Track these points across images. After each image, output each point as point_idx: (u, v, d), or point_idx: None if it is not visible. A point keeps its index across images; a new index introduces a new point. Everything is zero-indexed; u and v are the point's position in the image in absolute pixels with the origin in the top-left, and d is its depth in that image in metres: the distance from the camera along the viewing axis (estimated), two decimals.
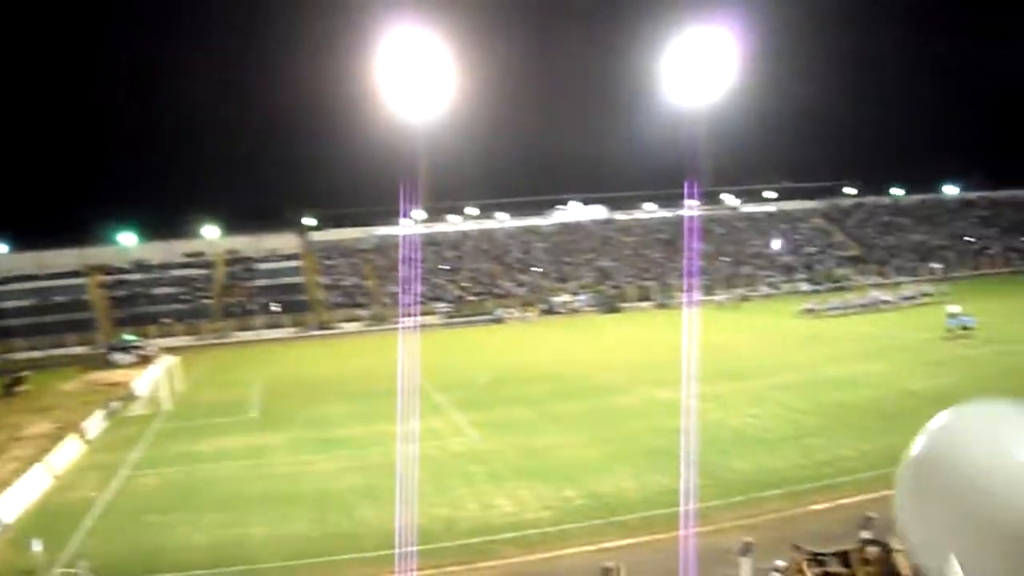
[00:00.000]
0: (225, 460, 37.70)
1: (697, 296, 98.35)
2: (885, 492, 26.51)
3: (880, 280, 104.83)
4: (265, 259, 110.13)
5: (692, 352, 53.47)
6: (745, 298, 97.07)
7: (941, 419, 5.43)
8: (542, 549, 24.82)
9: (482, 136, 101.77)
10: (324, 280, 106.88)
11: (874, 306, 79.89)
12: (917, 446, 5.69)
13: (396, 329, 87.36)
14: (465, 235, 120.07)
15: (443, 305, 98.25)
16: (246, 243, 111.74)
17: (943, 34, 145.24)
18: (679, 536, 24.93)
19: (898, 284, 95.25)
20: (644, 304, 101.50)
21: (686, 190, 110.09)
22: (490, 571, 23.43)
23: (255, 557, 25.05)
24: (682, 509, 27.09)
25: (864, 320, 73.21)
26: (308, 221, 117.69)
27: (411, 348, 65.35)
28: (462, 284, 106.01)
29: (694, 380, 44.67)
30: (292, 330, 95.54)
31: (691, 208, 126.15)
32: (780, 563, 11.91)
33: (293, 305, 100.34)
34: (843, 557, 8.21)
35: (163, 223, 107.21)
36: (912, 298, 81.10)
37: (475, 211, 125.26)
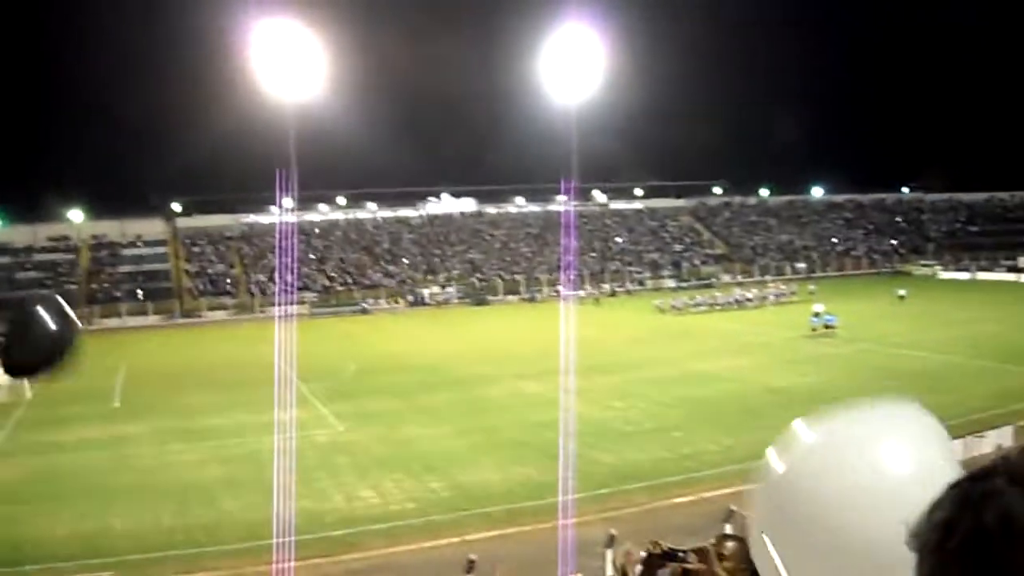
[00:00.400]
0: (87, 450, 36.76)
1: (565, 291, 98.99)
2: (747, 486, 27.23)
3: (746, 279, 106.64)
4: (131, 245, 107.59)
5: (559, 346, 53.85)
6: (613, 294, 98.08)
7: (801, 428, 5.28)
8: (407, 541, 24.80)
9: (353, 126, 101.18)
10: (190, 267, 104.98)
11: (739, 304, 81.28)
12: (774, 460, 5.50)
13: (262, 318, 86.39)
14: (334, 224, 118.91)
15: (310, 295, 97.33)
16: (112, 228, 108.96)
17: (813, 39, 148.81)
18: (544, 528, 25.15)
19: (763, 283, 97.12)
20: (512, 297, 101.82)
21: (560, 186, 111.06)
22: (355, 563, 23.34)
23: (117, 549, 24.55)
24: (547, 501, 27.35)
25: (729, 317, 74.46)
26: (175, 207, 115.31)
27: (277, 338, 64.61)
28: (330, 274, 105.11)
29: (560, 373, 44.99)
30: (157, 318, 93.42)
31: (561, 203, 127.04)
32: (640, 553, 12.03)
33: (158, 292, 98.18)
34: (700, 553, 8.29)
35: (27, 206, 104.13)
36: (777, 297, 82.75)
37: (345, 201, 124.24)
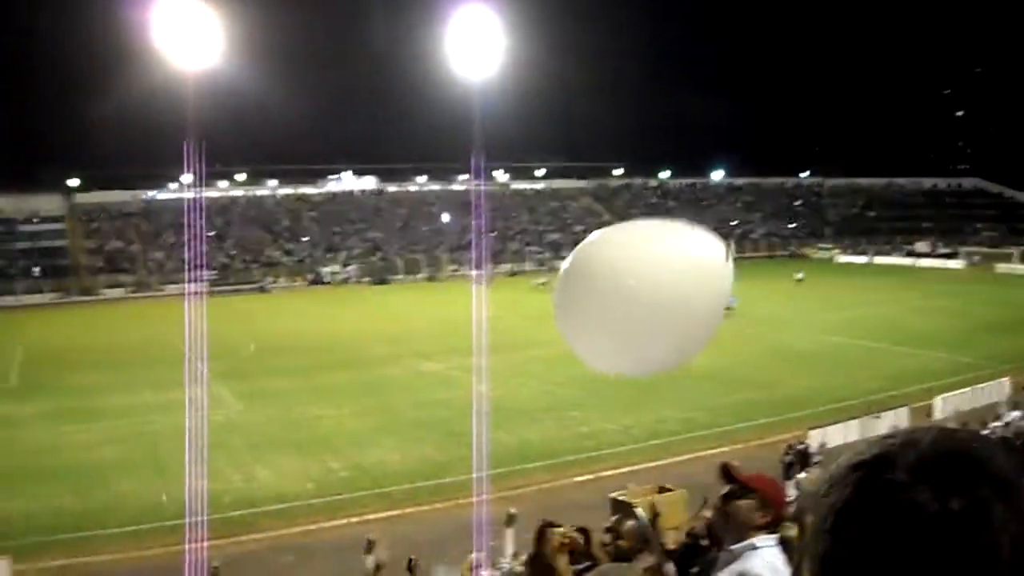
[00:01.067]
0: None
1: (466, 270, 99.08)
2: (647, 464, 27.53)
3: None
4: (27, 221, 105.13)
5: (458, 325, 53.96)
6: (513, 273, 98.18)
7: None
8: (305, 521, 24.84)
9: (254, 101, 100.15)
10: (88, 244, 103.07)
11: None
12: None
13: (161, 296, 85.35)
14: (234, 201, 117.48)
15: (209, 273, 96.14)
16: (7, 203, 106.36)
17: (715, 23, 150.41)
18: (443, 507, 25.32)
19: None
20: (413, 277, 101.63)
21: (462, 165, 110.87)
22: (252, 544, 23.31)
23: (11, 532, 24.13)
24: (446, 481, 27.54)
25: None
26: (73, 182, 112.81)
27: (175, 316, 63.85)
28: (229, 252, 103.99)
29: (459, 353, 45.16)
30: (53, 296, 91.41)
31: (462, 183, 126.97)
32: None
33: (55, 270, 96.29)
34: (585, 532, 8.45)
35: None
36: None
37: (244, 177, 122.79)
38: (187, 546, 19.43)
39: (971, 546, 1.14)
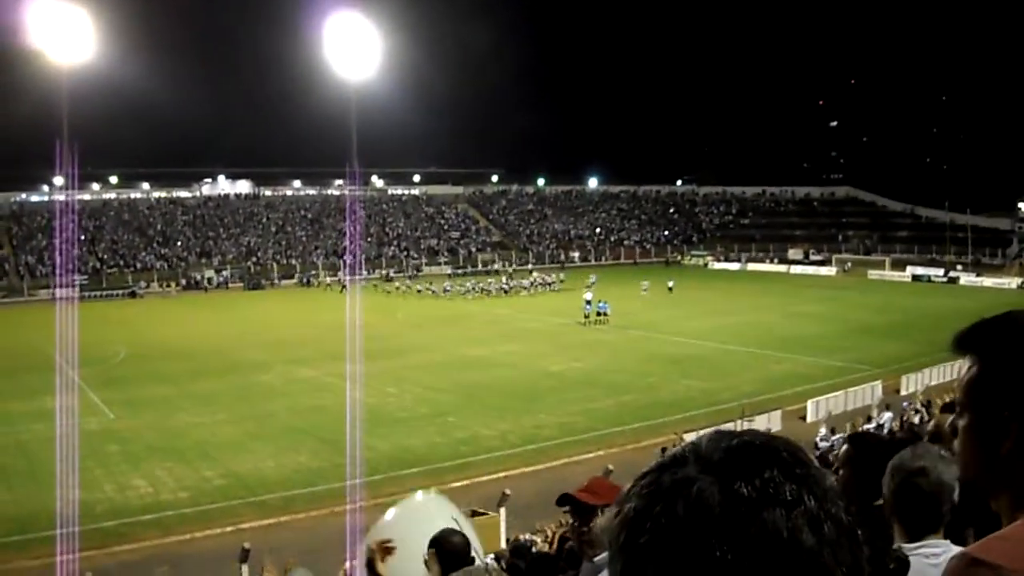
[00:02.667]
0: None
1: (341, 276, 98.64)
2: (523, 469, 27.80)
3: (521, 266, 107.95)
4: None
5: (333, 331, 53.86)
6: (389, 279, 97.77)
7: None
8: (180, 531, 24.65)
9: (128, 102, 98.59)
10: None
11: (514, 290, 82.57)
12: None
13: (32, 302, 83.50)
14: (106, 204, 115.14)
15: (80, 277, 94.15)
16: None
17: (592, 36, 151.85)
18: (318, 515, 25.33)
19: (538, 270, 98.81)
20: (288, 282, 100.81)
21: (338, 170, 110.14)
22: (126, 554, 23.07)
23: None
24: (321, 488, 27.54)
25: (503, 303, 75.50)
26: None
27: (46, 322, 62.56)
28: (101, 256, 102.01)
29: (335, 359, 45.08)
30: None
31: (338, 188, 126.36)
32: None
33: None
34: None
35: None
36: (550, 284, 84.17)
37: (117, 180, 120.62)
38: (59, 558, 19.20)
39: (766, 529, 1.14)
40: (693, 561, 1.13)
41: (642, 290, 76.58)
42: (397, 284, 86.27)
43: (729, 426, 29.96)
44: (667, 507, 1.18)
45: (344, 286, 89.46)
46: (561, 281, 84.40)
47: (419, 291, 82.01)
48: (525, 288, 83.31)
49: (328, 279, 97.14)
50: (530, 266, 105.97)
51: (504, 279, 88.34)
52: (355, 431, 31.68)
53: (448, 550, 5.57)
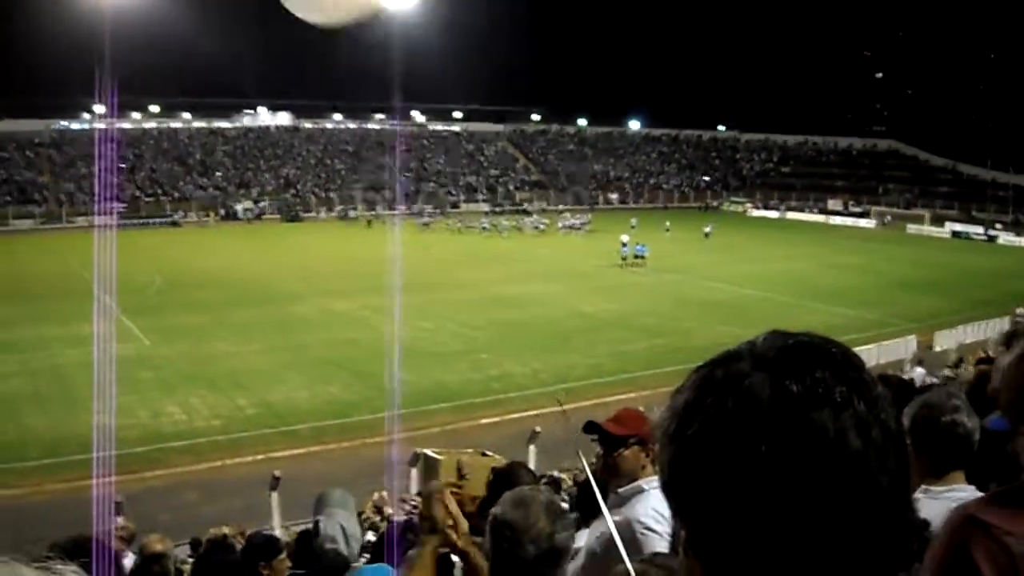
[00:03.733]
0: None
1: (380, 210, 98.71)
2: (553, 408, 27.89)
3: (561, 206, 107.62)
4: None
5: (368, 265, 53.93)
6: (425, 224, 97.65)
7: None
8: (211, 458, 24.86)
9: (169, 32, 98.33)
10: None
11: (553, 229, 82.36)
12: None
13: (70, 229, 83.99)
14: (146, 133, 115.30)
15: (119, 206, 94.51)
16: None
17: None
18: (349, 446, 25.46)
19: (577, 210, 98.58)
20: (326, 215, 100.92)
21: (378, 104, 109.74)
22: (157, 480, 23.29)
23: None
24: (353, 420, 27.67)
25: (541, 242, 75.39)
26: None
27: (84, 249, 62.97)
28: (140, 184, 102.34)
29: (371, 293, 45.16)
30: None
31: (378, 122, 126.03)
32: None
33: None
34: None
35: None
36: (586, 224, 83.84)
37: (158, 109, 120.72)
38: (92, 481, 19.36)
39: (813, 428, 1.15)
40: (739, 454, 1.15)
41: (704, 232, 76.87)
42: (428, 222, 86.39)
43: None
44: (717, 400, 1.20)
45: (370, 221, 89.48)
46: (587, 223, 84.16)
47: (458, 228, 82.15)
48: (565, 227, 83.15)
49: (366, 213, 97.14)
50: (560, 207, 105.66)
51: (534, 217, 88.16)
52: (388, 364, 31.80)
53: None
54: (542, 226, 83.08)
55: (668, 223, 78.99)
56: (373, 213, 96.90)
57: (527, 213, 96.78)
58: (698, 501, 1.20)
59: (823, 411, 1.15)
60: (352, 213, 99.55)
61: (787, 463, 1.13)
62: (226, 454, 25.11)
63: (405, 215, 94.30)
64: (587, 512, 5.86)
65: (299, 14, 5.70)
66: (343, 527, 5.85)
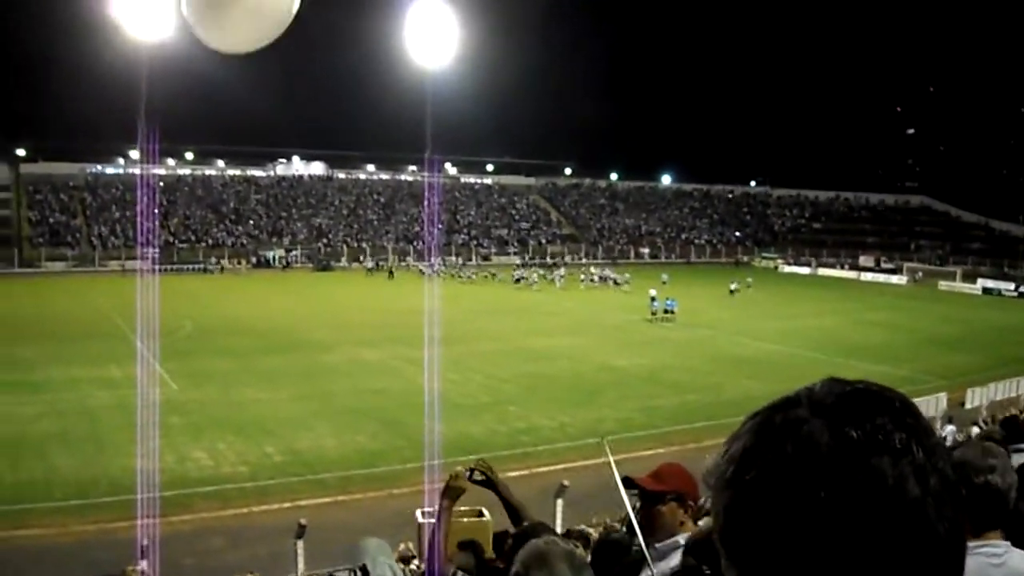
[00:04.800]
0: None
1: (412, 261, 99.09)
2: (581, 463, 27.63)
3: (591, 260, 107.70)
4: None
5: (400, 315, 54.02)
6: (461, 266, 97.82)
7: None
8: (238, 504, 24.75)
9: (206, 80, 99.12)
10: (32, 215, 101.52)
11: (582, 283, 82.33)
12: None
13: (102, 272, 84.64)
14: (181, 180, 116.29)
15: (152, 250, 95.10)
16: None
17: (670, 32, 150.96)
18: (375, 496, 25.33)
19: (607, 264, 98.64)
20: (357, 264, 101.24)
21: (412, 155, 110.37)
22: (183, 525, 23.19)
23: None
24: (380, 470, 27.56)
25: (570, 296, 75.36)
26: (20, 152, 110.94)
27: (116, 292, 63.37)
28: (173, 230, 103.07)
29: (401, 343, 45.21)
30: None
31: (411, 173, 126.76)
32: None
33: None
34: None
35: None
36: (618, 279, 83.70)
37: (192, 156, 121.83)
38: (117, 524, 19.29)
39: (872, 475, 1.12)
40: (798, 501, 1.14)
41: (730, 289, 76.33)
42: (462, 274, 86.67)
43: None
44: (776, 445, 1.20)
45: (391, 272, 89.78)
46: (627, 281, 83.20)
47: (487, 276, 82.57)
48: (594, 280, 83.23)
49: (396, 264, 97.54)
50: (585, 260, 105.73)
51: (562, 271, 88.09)
52: (416, 415, 31.71)
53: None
54: (560, 280, 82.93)
55: (735, 284, 78.42)
56: (396, 264, 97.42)
57: (557, 266, 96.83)
58: (754, 548, 1.19)
59: (882, 458, 1.14)
60: (370, 263, 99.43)
61: (846, 510, 1.12)
62: (252, 501, 25.01)
63: (429, 266, 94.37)
64: (605, 573, 5.75)
65: (212, 44, 5.74)
66: (391, 568, 5.82)
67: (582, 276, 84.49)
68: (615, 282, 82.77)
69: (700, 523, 5.02)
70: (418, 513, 8.67)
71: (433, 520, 6.83)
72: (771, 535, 1.15)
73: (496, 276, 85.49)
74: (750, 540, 1.19)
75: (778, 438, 1.18)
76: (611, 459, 5.52)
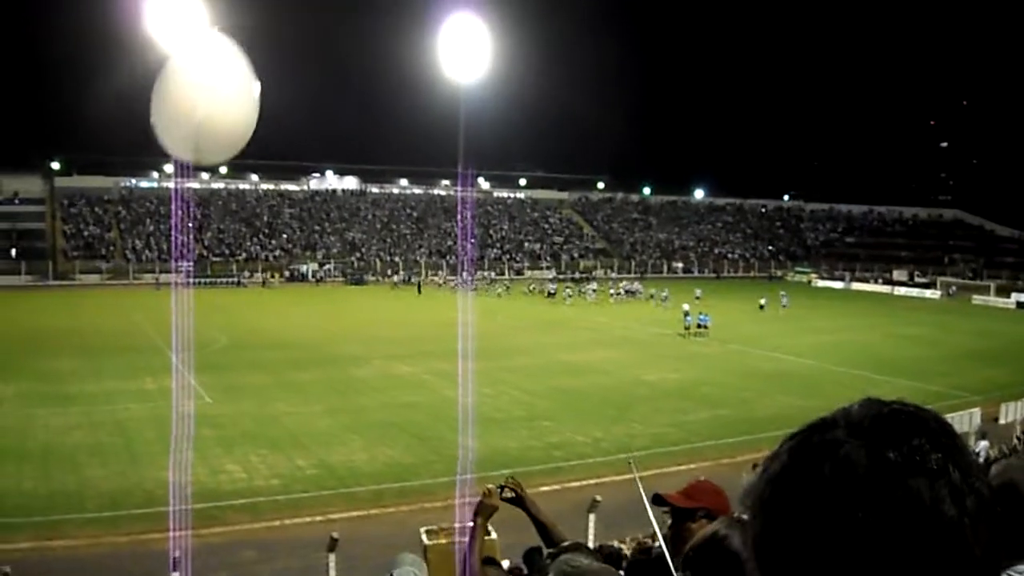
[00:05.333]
0: None
1: (444, 276, 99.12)
2: (614, 477, 27.55)
3: (624, 275, 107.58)
4: (7, 201, 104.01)
5: (434, 329, 54.09)
6: (492, 281, 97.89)
7: None
8: (270, 517, 24.74)
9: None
10: (66, 228, 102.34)
11: (612, 298, 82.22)
12: None
13: (136, 285, 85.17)
14: (215, 194, 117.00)
15: (186, 264, 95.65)
16: None
17: (704, 45, 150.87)
18: (408, 510, 25.30)
19: (639, 279, 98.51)
20: (396, 278, 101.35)
21: (445, 170, 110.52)
22: (216, 537, 23.19)
23: None
24: (412, 483, 27.54)
25: (602, 310, 75.28)
26: (54, 165, 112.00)
27: (150, 305, 63.73)
28: (207, 244, 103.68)
29: (433, 357, 45.24)
30: (29, 278, 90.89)
31: (444, 188, 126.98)
32: None
33: (32, 252, 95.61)
34: None
35: None
36: (668, 299, 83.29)
37: (226, 170, 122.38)
38: (150, 536, 19.33)
39: (909, 496, 1.12)
40: (835, 521, 1.15)
41: (759, 304, 75.80)
42: (499, 290, 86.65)
43: None
44: (814, 467, 1.20)
45: (419, 287, 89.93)
46: (666, 298, 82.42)
47: (525, 291, 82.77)
48: (628, 295, 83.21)
49: (427, 278, 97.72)
50: (614, 275, 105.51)
51: (594, 285, 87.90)
52: (448, 429, 31.70)
53: None
54: (591, 295, 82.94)
55: (699, 290, 78.67)
56: (426, 278, 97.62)
57: (589, 280, 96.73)
58: (791, 568, 1.20)
59: (919, 479, 1.15)
60: (396, 278, 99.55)
61: (883, 530, 1.13)
62: (285, 514, 25.00)
63: (463, 281, 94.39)
64: None
65: (175, 153, 5.93)
66: None
67: (611, 291, 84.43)
68: (657, 298, 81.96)
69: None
70: (423, 533, 8.66)
71: (435, 541, 6.84)
72: (808, 556, 1.16)
73: (530, 289, 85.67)
74: (787, 561, 1.19)
75: (816, 459, 1.19)
76: (638, 479, 5.50)
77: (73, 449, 30.38)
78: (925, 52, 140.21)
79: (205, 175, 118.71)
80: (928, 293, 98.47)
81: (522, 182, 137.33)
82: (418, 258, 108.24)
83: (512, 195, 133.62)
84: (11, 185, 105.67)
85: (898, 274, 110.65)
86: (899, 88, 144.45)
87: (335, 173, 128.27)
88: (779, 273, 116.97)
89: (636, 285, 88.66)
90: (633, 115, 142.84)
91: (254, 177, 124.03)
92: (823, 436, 1.22)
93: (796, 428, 1.28)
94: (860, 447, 1.17)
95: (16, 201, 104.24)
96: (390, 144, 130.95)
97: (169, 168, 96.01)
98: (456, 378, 38.59)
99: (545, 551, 5.69)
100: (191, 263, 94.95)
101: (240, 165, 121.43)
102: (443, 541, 10.06)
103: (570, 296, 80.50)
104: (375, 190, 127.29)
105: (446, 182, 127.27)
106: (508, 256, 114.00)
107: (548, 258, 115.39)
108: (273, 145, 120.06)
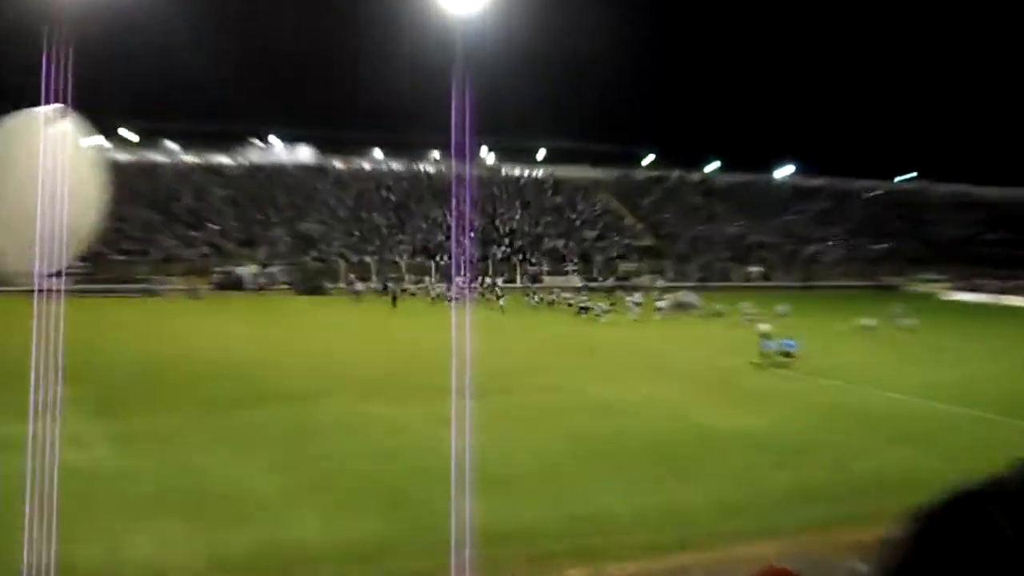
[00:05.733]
0: None
1: (431, 283, 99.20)
2: (665, 563, 27.49)
3: (680, 282, 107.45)
4: None
5: (420, 356, 54.04)
6: (495, 290, 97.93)
7: None
8: None
9: (145, 33, 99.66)
10: None
11: (660, 312, 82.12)
12: None
13: (14, 293, 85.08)
14: (118, 168, 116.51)
15: (77, 265, 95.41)
16: None
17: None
18: None
19: (702, 288, 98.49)
20: (360, 286, 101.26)
21: (446, 137, 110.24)
22: None
23: None
24: (382, 566, 27.51)
25: (650, 330, 75.22)
26: None
27: (23, 319, 63.63)
28: (104, 238, 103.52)
29: (418, 392, 45.25)
30: None
31: (434, 163, 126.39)
32: None
33: None
34: None
35: None
36: (717, 309, 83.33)
37: (137, 138, 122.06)
38: None
39: None
40: None
41: (863, 326, 75.77)
42: (501, 303, 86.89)
43: None
44: (959, 555, 1.21)
45: (394, 297, 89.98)
46: (749, 314, 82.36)
47: (548, 303, 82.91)
48: (683, 308, 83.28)
49: (400, 290, 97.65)
50: (662, 283, 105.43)
51: (638, 296, 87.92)
52: (439, 492, 31.60)
53: None
54: (636, 309, 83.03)
55: (782, 305, 78.80)
56: (403, 286, 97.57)
57: (634, 290, 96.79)
58: None
59: None
60: (359, 286, 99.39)
61: None
62: None
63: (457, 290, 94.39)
64: None
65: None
66: None
67: (657, 302, 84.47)
68: (737, 315, 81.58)
69: None
70: None
71: None
72: None
73: (554, 303, 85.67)
74: None
75: (962, 544, 1.20)
76: None
77: None
78: None
79: (104, 142, 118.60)
80: None
81: (540, 155, 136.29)
82: (397, 258, 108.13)
83: (527, 172, 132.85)
84: None
85: None
86: None
87: (283, 141, 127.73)
88: (894, 282, 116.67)
89: (691, 296, 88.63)
90: (691, 64, 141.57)
91: (171, 146, 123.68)
92: (968, 512, 1.23)
93: (925, 499, 1.31)
94: (1006, 521, 1.18)
95: None
96: (359, 101, 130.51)
97: None
98: (448, 421, 38.55)
99: None
100: (85, 263, 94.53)
101: (150, 129, 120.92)
102: None
103: (604, 311, 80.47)
104: (338, 165, 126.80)
105: (436, 154, 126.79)
106: (521, 257, 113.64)
107: (576, 259, 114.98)
108: (198, 103, 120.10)
